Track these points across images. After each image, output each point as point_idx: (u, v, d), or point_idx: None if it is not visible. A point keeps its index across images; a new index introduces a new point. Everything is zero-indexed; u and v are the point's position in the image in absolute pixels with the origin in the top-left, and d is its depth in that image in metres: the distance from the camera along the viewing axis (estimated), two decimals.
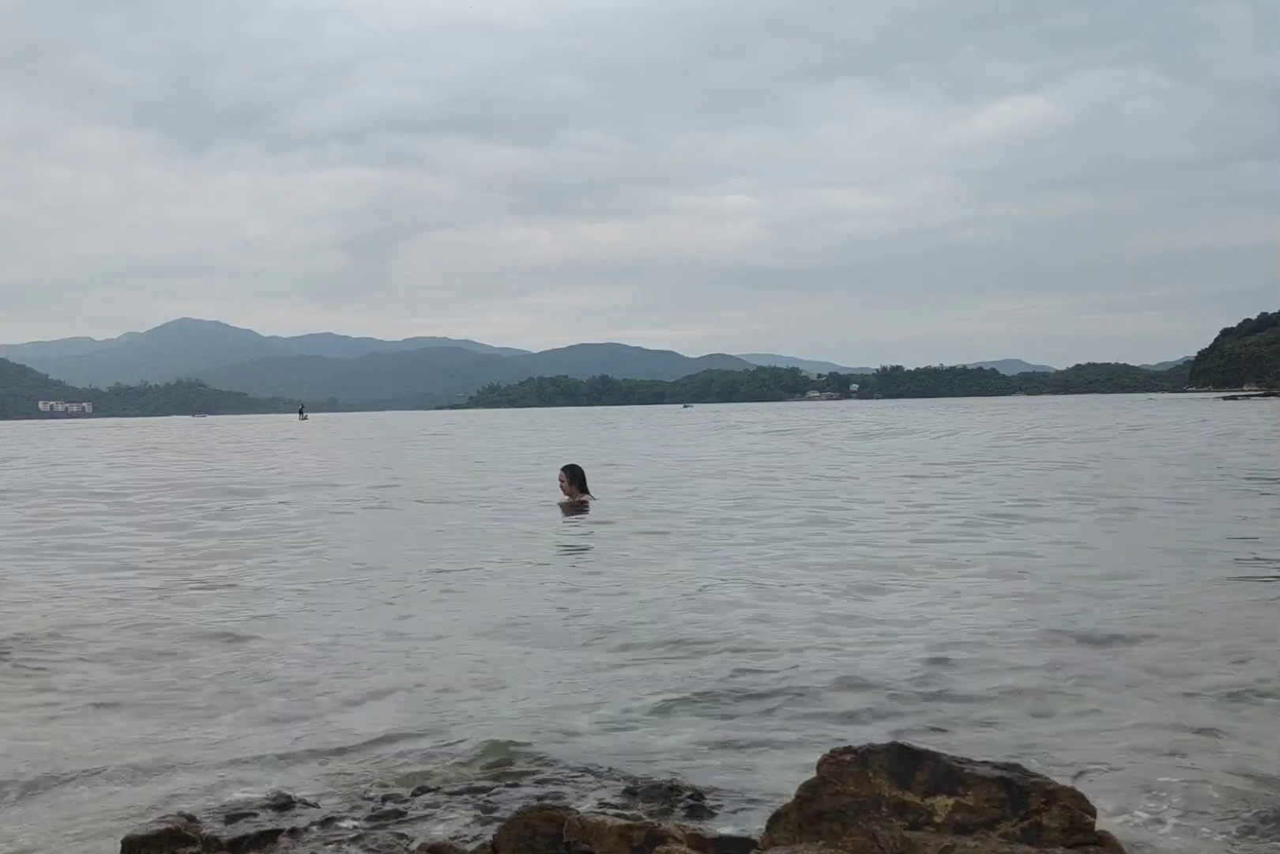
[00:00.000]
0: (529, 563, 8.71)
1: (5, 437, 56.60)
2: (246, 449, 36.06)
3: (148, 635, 6.03)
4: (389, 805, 3.43)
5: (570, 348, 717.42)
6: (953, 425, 45.26)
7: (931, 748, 2.81)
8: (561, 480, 12.58)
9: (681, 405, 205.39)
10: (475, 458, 27.22)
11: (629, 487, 15.79)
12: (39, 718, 4.57)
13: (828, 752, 2.81)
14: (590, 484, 12.74)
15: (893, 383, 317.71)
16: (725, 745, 4.07)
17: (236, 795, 3.53)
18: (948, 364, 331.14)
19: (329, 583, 7.86)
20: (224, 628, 6.20)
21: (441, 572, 8.27)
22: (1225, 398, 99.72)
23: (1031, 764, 3.22)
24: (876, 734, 4.02)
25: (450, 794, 3.57)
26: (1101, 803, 3.00)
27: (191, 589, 7.61)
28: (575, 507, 12.28)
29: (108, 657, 5.56)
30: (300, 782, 3.73)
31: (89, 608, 6.94)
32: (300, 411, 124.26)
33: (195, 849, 3.03)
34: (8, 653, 5.60)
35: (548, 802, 3.17)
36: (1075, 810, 2.62)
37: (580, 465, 13.08)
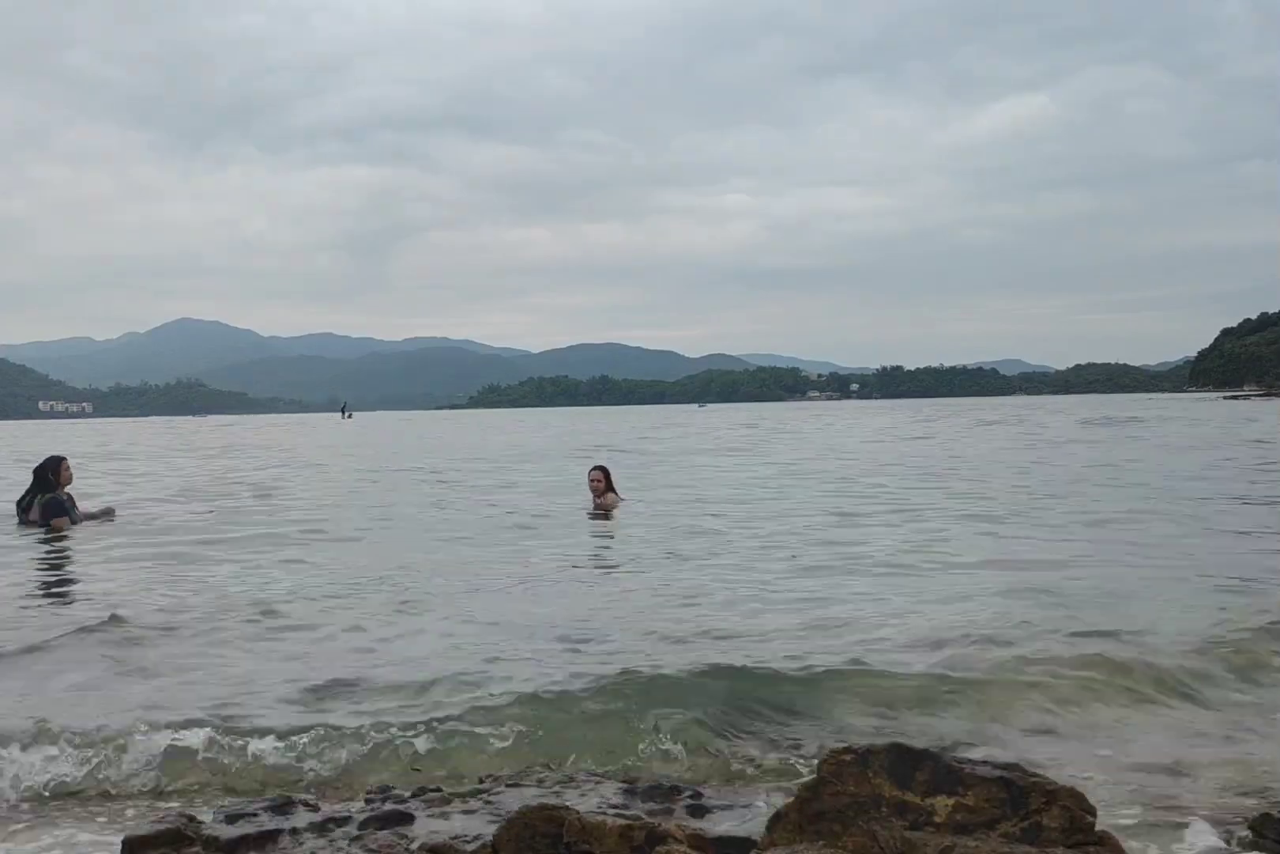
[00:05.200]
0: (550, 559, 8.75)
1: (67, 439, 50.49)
2: None
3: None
4: (389, 805, 3.43)
5: (570, 348, 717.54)
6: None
7: (931, 748, 2.81)
8: (598, 480, 12.70)
9: (697, 405, 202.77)
10: None
11: None
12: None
13: (828, 751, 2.81)
14: None
15: (893, 383, 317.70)
16: (725, 745, 4.07)
17: (237, 796, 3.53)
18: (948, 364, 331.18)
19: (355, 580, 7.87)
20: (224, 625, 6.20)
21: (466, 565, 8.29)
22: (1227, 397, 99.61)
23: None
24: (877, 734, 4.03)
25: (450, 794, 3.57)
26: (1099, 802, 3.00)
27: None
28: (605, 505, 12.49)
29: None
30: (300, 782, 3.73)
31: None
32: (343, 411, 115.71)
33: (195, 849, 3.03)
34: None
35: (548, 801, 3.17)
36: (1075, 810, 2.62)
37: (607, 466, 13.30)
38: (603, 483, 12.66)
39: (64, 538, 10.49)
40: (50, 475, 11.26)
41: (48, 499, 11.15)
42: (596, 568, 8.55)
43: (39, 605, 7.12)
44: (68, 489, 11.47)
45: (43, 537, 10.59)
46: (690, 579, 7.71)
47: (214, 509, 13.38)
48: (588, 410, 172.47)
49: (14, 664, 5.36)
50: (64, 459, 11.48)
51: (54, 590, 7.65)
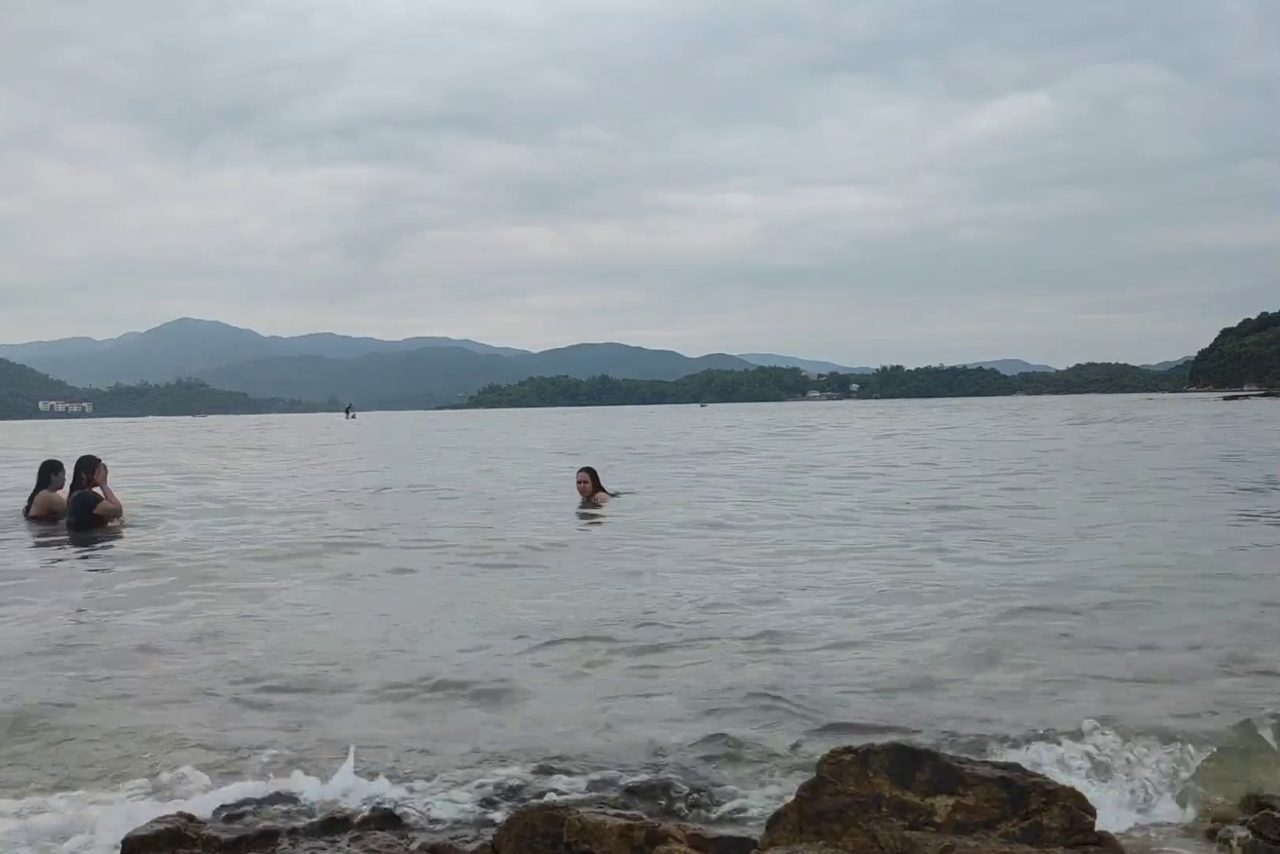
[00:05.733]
0: (542, 559, 8.73)
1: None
2: None
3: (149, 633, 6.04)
4: (389, 805, 3.43)
5: (570, 348, 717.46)
6: None
7: (932, 748, 2.81)
8: (584, 481, 12.70)
9: (699, 405, 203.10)
10: None
11: None
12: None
13: (828, 751, 2.81)
14: None
15: (893, 383, 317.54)
16: (726, 745, 4.07)
17: (237, 796, 3.53)
18: (948, 364, 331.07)
19: (351, 578, 7.88)
20: (225, 627, 6.20)
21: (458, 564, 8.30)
22: (1227, 398, 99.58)
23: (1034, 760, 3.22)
24: (877, 734, 4.02)
25: (450, 794, 3.57)
26: (1099, 803, 3.00)
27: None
28: (593, 505, 12.46)
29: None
30: (300, 782, 3.73)
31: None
32: (348, 411, 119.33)
33: (195, 849, 3.03)
34: None
35: (548, 801, 3.17)
36: (1075, 810, 2.62)
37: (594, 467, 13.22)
38: (589, 484, 12.67)
39: (101, 542, 10.16)
40: (84, 474, 11.04)
41: (79, 494, 10.93)
42: (581, 567, 8.52)
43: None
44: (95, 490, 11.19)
45: (77, 539, 10.33)
46: (687, 579, 7.71)
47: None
48: (595, 410, 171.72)
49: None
50: (100, 460, 11.26)
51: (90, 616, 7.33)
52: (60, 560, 9.27)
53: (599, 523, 11.75)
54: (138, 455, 28.02)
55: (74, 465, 11.18)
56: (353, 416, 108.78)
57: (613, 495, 12.99)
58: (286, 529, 11.24)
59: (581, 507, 12.54)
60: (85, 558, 9.36)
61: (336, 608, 6.85)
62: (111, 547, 9.99)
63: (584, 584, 7.71)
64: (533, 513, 12.54)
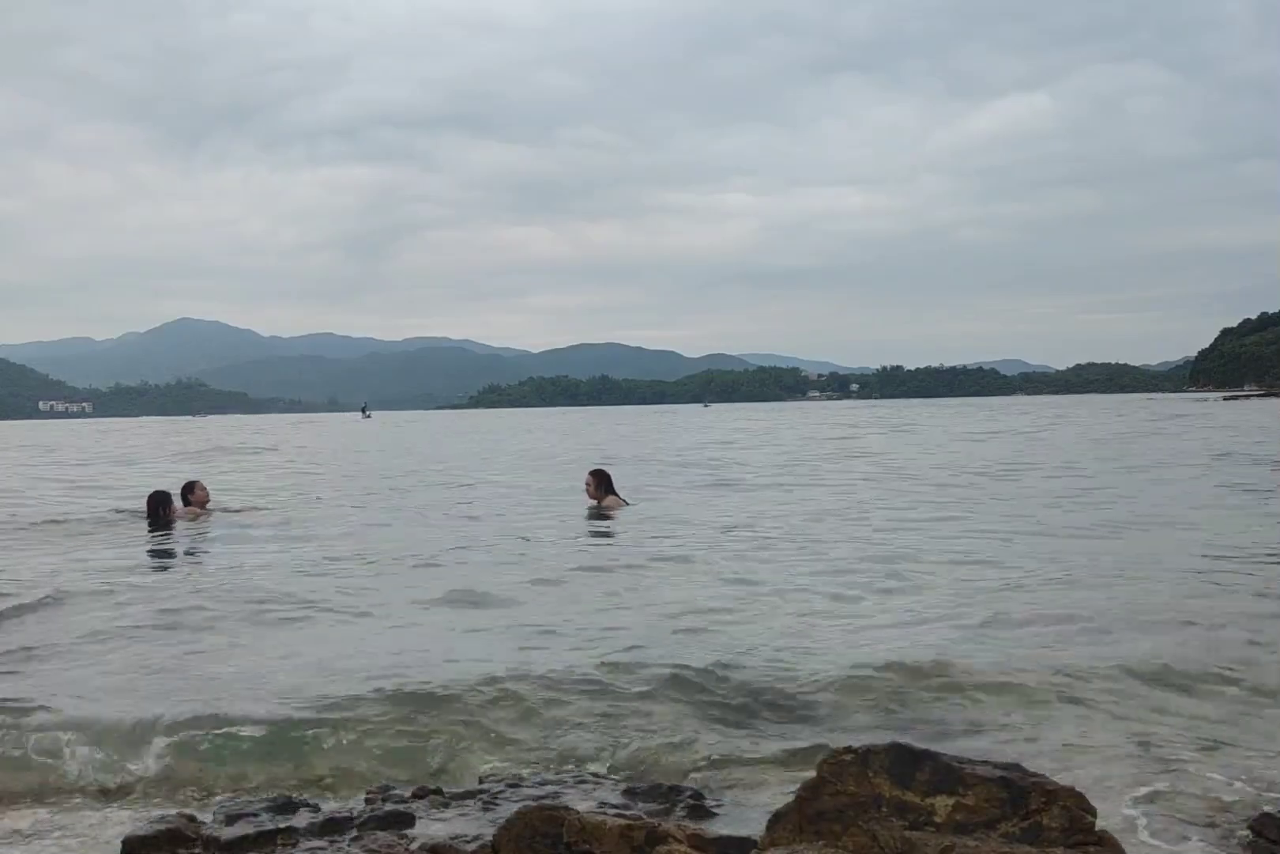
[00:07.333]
0: (549, 567, 8.71)
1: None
2: None
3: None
4: (389, 806, 3.43)
5: (570, 348, 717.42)
6: None
7: (932, 748, 2.81)
8: (589, 484, 12.55)
9: (702, 405, 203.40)
10: None
11: None
12: None
13: (828, 751, 2.81)
14: None
15: (893, 383, 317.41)
16: (725, 745, 4.07)
17: (237, 796, 3.53)
18: (948, 364, 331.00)
19: (341, 579, 7.87)
20: (225, 628, 6.20)
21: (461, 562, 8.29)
22: (1227, 398, 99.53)
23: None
24: (877, 734, 4.02)
25: (450, 794, 3.57)
26: (1099, 803, 3.00)
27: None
28: (601, 509, 12.29)
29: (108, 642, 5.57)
30: (300, 782, 3.73)
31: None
32: (364, 410, 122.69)
33: (195, 849, 3.03)
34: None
35: (548, 802, 3.17)
36: (1075, 810, 2.62)
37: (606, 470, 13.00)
38: (594, 486, 12.46)
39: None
40: (161, 509, 11.56)
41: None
42: (575, 570, 8.46)
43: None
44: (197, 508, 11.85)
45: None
46: (688, 578, 7.71)
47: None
48: (596, 410, 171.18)
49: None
50: (171, 494, 11.82)
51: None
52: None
53: (602, 522, 11.67)
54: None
55: (150, 500, 11.67)
56: (368, 416, 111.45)
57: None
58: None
59: (591, 511, 12.33)
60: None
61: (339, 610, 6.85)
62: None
63: (557, 586, 7.71)
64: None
